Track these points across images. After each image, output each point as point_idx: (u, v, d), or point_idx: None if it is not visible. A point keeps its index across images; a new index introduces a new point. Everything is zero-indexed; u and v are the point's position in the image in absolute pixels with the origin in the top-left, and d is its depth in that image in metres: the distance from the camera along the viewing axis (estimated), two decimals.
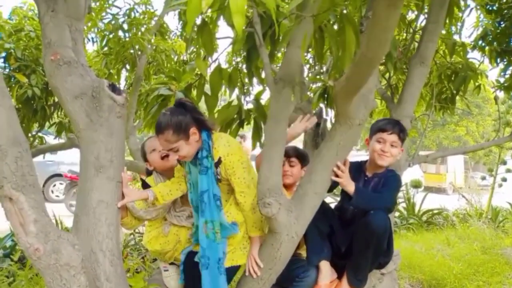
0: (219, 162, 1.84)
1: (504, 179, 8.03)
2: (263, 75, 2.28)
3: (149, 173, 2.30)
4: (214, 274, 1.83)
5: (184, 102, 1.85)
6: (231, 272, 1.94)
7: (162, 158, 2.14)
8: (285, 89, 1.77)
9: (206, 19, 2.07)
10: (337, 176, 1.83)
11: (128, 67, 4.69)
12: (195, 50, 5.54)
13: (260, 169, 1.76)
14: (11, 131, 1.32)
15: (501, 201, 8.35)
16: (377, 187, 2.10)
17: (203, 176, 1.84)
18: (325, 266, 2.06)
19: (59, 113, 4.79)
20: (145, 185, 2.17)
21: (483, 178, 9.36)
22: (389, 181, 2.09)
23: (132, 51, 4.31)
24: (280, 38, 2.07)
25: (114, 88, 1.80)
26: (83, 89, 1.74)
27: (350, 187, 1.89)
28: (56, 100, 4.48)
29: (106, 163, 1.72)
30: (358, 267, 2.04)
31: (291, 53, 1.75)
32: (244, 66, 2.61)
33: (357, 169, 2.15)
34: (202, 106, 2.42)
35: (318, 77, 3.17)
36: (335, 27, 1.60)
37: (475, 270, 5.15)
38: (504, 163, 8.14)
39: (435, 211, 7.74)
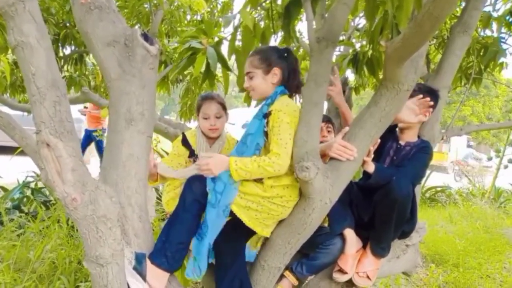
0: (269, 114, 1.74)
1: (511, 161, 8.02)
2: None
3: None
4: (219, 213, 1.71)
5: (291, 51, 1.89)
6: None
7: (210, 129, 2.17)
8: (328, 49, 1.65)
9: None
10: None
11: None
12: (209, 9, 5.34)
13: (297, 132, 1.68)
14: (49, 73, 1.22)
15: (503, 183, 8.39)
16: (407, 156, 2.05)
17: (256, 120, 1.79)
18: (350, 235, 2.02)
19: (68, 67, 4.67)
20: (185, 138, 2.18)
21: (490, 159, 9.36)
22: (418, 154, 2.03)
23: (147, 5, 4.12)
24: None
25: (146, 37, 1.69)
26: (115, 37, 1.62)
27: (370, 168, 1.88)
28: (67, 53, 4.34)
29: (137, 116, 1.62)
30: (381, 235, 2.00)
31: (338, 9, 1.62)
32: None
33: (391, 137, 2.09)
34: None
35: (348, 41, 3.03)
36: None
37: (477, 248, 5.21)
38: None
39: (439, 189, 7.77)
